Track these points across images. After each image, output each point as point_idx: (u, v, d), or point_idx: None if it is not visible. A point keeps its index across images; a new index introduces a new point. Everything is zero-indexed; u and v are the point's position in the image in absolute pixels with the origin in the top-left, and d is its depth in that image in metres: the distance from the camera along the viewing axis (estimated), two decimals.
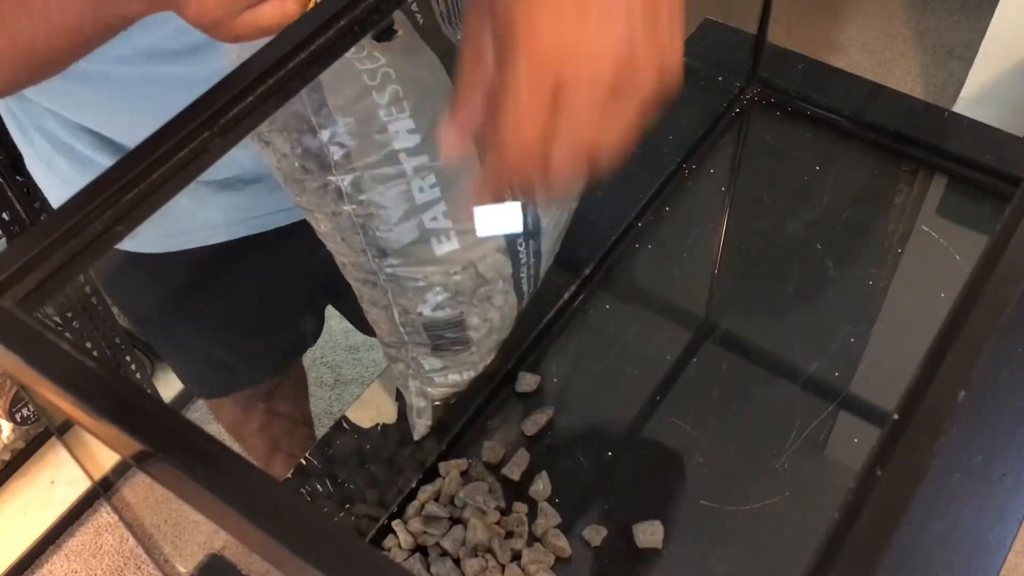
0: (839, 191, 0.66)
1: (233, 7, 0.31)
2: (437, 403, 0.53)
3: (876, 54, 1.54)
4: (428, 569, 0.49)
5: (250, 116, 0.33)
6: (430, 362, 0.51)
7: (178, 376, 0.80)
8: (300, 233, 0.48)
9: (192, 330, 0.68)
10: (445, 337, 0.49)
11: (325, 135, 0.41)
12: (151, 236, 0.57)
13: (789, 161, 0.68)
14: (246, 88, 0.32)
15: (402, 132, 0.41)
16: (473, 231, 0.45)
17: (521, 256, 0.48)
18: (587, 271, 0.62)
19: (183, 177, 0.32)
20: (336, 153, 0.41)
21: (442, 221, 0.44)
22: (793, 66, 0.72)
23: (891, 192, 0.66)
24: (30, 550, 1.06)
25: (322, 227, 0.46)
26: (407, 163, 0.42)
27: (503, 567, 0.49)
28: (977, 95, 1.28)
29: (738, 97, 0.71)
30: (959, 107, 1.30)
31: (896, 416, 0.23)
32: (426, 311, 0.47)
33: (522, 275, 0.49)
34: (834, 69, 0.73)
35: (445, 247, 0.45)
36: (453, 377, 0.52)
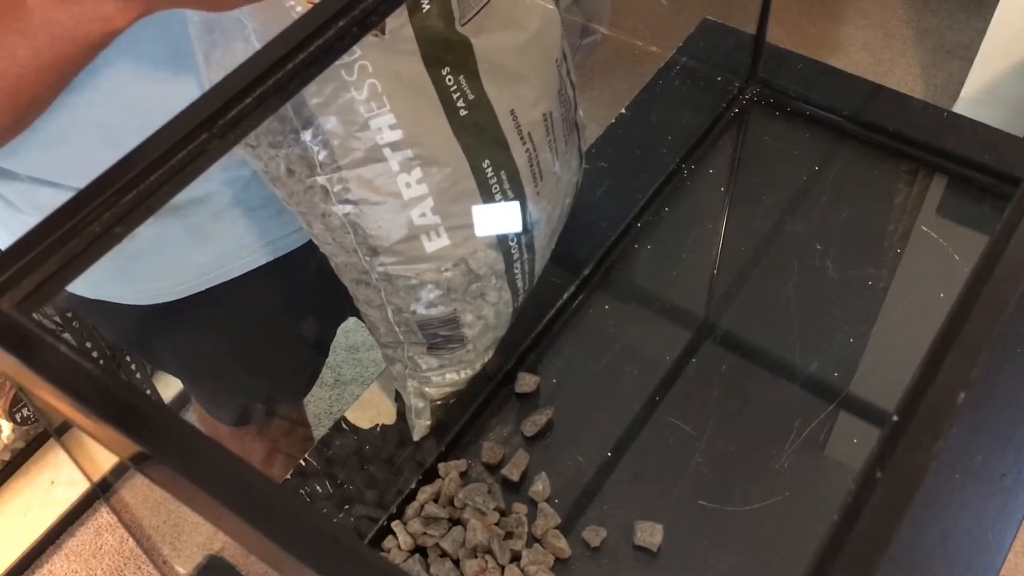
0: (839, 191, 0.66)
1: None
2: (436, 403, 0.53)
3: (876, 54, 1.54)
4: (427, 570, 0.49)
5: (249, 117, 0.33)
6: (427, 361, 0.50)
7: (198, 401, 0.79)
8: (314, 250, 0.48)
9: (218, 369, 0.66)
10: (440, 335, 0.49)
11: (308, 135, 0.41)
12: (168, 285, 0.56)
13: (788, 161, 0.68)
14: (244, 89, 0.32)
15: (384, 128, 0.41)
16: (463, 227, 0.45)
17: (513, 252, 0.48)
18: (586, 271, 0.62)
19: (182, 178, 0.32)
20: (320, 153, 0.41)
21: (431, 217, 0.44)
22: (792, 66, 0.72)
23: (891, 192, 0.66)
24: (30, 550, 1.05)
25: (314, 229, 0.45)
26: (392, 159, 0.42)
27: (502, 568, 0.49)
28: (977, 95, 1.28)
29: (737, 97, 0.71)
30: (959, 107, 1.30)
31: (896, 417, 0.23)
32: (419, 309, 0.47)
33: (515, 271, 0.49)
34: (833, 69, 0.73)
35: (435, 244, 0.45)
36: (451, 376, 0.52)
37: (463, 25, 0.41)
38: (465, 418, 0.56)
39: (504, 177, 0.45)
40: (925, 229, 0.64)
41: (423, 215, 0.43)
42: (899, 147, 0.67)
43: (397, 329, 0.48)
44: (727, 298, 0.62)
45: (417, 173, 0.42)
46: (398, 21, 0.40)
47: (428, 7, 0.40)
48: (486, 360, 0.53)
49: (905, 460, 0.22)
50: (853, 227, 0.64)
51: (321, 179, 0.42)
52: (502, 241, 0.47)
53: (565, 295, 0.61)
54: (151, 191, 0.31)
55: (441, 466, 0.53)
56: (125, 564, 1.03)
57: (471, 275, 0.46)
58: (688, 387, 0.57)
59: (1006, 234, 0.27)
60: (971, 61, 1.26)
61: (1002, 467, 0.50)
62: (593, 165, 0.68)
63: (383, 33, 0.39)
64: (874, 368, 0.57)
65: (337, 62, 0.39)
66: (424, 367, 0.51)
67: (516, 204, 0.46)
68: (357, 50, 0.39)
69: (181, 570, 0.44)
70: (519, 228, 0.47)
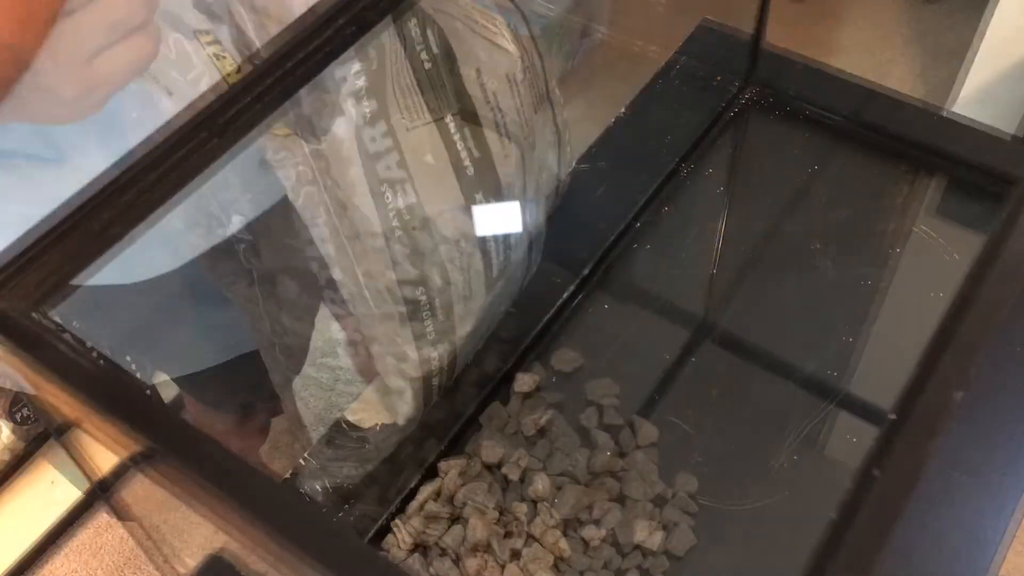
0: (837, 191, 0.66)
1: (84, 44, 0.30)
2: (417, 382, 0.51)
3: (874, 55, 1.54)
4: (428, 568, 0.49)
5: (247, 115, 0.33)
6: (401, 334, 0.49)
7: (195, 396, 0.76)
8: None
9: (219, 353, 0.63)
10: (410, 301, 0.48)
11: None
12: (176, 251, 0.53)
13: (787, 161, 0.68)
14: (242, 91, 0.33)
15: (349, 76, 0.40)
16: (429, 185, 0.43)
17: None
18: (586, 271, 0.63)
19: (181, 177, 0.32)
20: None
21: (396, 171, 0.42)
22: (791, 67, 0.73)
23: (889, 192, 0.67)
24: (31, 550, 1.06)
25: (287, 183, 0.44)
26: (354, 110, 0.40)
27: (502, 566, 0.49)
28: (975, 96, 1.28)
29: (736, 98, 0.71)
30: (957, 108, 1.30)
31: (893, 416, 0.24)
32: (388, 271, 0.46)
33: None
34: (832, 70, 0.73)
35: (401, 200, 0.43)
36: (426, 351, 0.50)
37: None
38: (465, 417, 0.56)
39: (468, 135, 0.44)
40: (923, 229, 0.64)
41: (388, 168, 0.42)
42: (897, 147, 0.68)
43: (368, 297, 0.47)
44: (726, 297, 0.62)
45: (381, 126, 0.41)
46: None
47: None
48: (463, 334, 0.50)
49: (902, 459, 0.23)
50: (851, 227, 0.64)
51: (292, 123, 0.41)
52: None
53: (565, 294, 0.61)
54: (150, 189, 0.31)
55: (441, 464, 0.54)
56: (125, 564, 1.04)
57: (439, 237, 0.45)
58: (687, 387, 0.57)
59: (1003, 235, 0.27)
60: (970, 62, 1.27)
61: (1000, 465, 0.50)
62: (593, 165, 0.68)
63: None
64: (872, 367, 0.57)
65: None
66: (399, 340, 0.49)
67: (481, 163, 0.45)
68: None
69: (181, 569, 0.44)
70: (487, 190, 0.46)
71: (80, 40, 0.30)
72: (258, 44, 0.38)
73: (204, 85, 0.36)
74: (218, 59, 0.37)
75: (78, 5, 0.29)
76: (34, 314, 0.28)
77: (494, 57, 0.45)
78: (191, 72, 0.37)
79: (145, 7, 0.31)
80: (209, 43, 0.37)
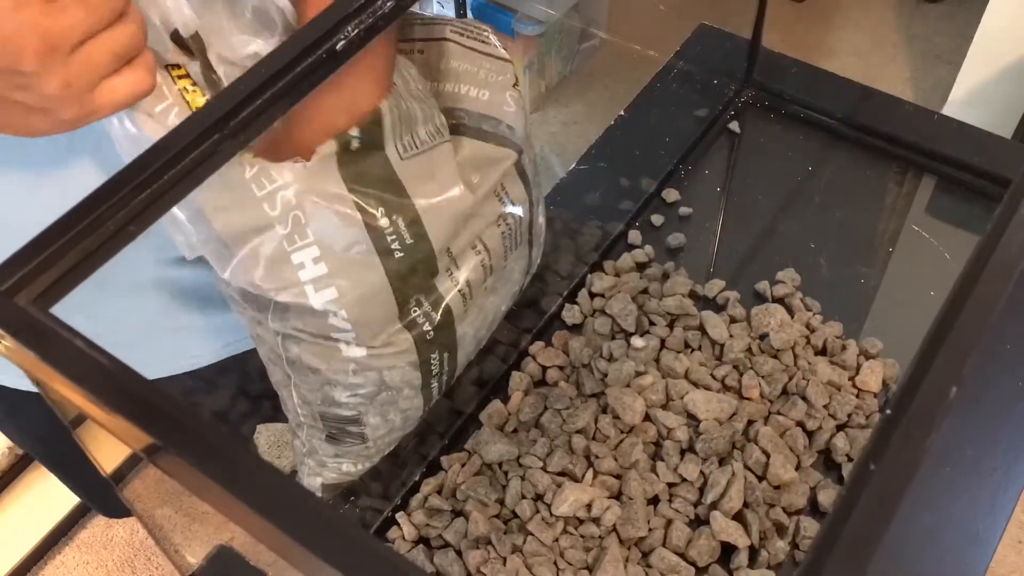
0: (831, 191, 0.67)
1: (92, 75, 0.32)
2: (329, 486, 0.51)
3: (867, 58, 1.56)
4: (431, 560, 0.50)
5: (261, 116, 0.33)
6: (324, 448, 0.49)
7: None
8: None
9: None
10: (339, 428, 0.47)
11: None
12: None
13: (783, 162, 0.69)
14: (256, 91, 0.33)
15: (307, 262, 0.39)
16: (382, 344, 0.42)
17: (434, 368, 0.46)
18: (585, 270, 0.63)
19: (195, 178, 0.32)
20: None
21: (350, 331, 0.42)
22: (787, 70, 0.74)
23: (882, 192, 0.68)
24: (43, 541, 1.07)
25: (227, 286, 0.43)
26: (314, 297, 0.40)
27: (504, 559, 0.49)
28: (965, 98, 1.30)
29: (733, 100, 0.72)
30: (948, 110, 1.32)
31: (889, 411, 0.24)
32: (324, 406, 0.45)
33: (432, 384, 0.47)
34: (827, 73, 0.74)
35: (352, 351, 0.42)
36: (347, 467, 0.49)
37: (403, 160, 0.40)
38: (467, 413, 0.57)
39: (429, 307, 0.43)
40: (916, 228, 0.66)
41: (343, 320, 0.41)
42: (890, 149, 0.69)
43: (299, 411, 0.47)
44: (723, 296, 0.63)
45: (332, 294, 0.40)
46: (326, 151, 0.38)
47: (358, 141, 0.38)
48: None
49: (899, 453, 0.23)
50: (846, 226, 0.65)
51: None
52: (424, 361, 0.45)
53: (565, 293, 0.62)
54: (165, 190, 0.31)
55: (444, 459, 0.54)
56: (135, 555, 1.04)
57: (383, 385, 0.45)
58: None
59: (996, 234, 0.28)
60: (958, 66, 1.28)
61: (992, 461, 0.51)
62: (592, 166, 0.69)
63: (306, 159, 0.38)
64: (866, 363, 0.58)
65: (260, 193, 0.37)
66: (320, 452, 0.49)
67: (442, 329, 0.44)
68: (279, 179, 0.37)
69: (191, 559, 0.44)
70: (445, 346, 0.45)
71: (90, 70, 0.32)
72: (225, 83, 0.37)
73: (173, 116, 0.37)
74: (188, 93, 0.37)
75: (85, 37, 0.31)
76: (42, 310, 0.28)
77: (485, 66, 0.45)
78: (161, 104, 0.37)
79: (144, 38, 0.33)
80: (180, 76, 0.37)
